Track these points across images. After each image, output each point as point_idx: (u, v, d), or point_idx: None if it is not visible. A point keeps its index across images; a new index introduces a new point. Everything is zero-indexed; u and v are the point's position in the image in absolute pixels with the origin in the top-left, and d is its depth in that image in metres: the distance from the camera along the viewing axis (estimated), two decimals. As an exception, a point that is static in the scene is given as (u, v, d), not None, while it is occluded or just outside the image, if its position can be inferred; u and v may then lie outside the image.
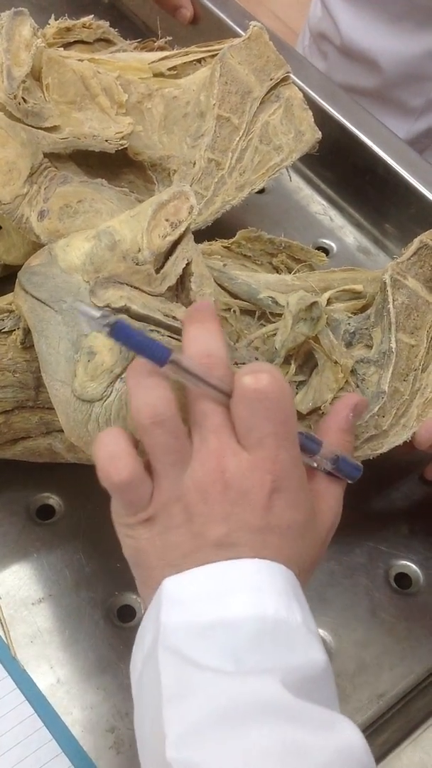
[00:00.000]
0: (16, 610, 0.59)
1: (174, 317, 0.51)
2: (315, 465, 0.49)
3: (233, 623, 0.42)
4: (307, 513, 0.47)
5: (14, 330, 0.57)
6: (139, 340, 0.44)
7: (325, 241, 0.81)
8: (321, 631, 0.60)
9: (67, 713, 0.56)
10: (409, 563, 0.64)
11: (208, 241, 0.65)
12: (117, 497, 0.46)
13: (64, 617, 0.59)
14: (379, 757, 0.55)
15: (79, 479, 0.62)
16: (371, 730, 0.57)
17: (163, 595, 0.43)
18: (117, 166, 0.67)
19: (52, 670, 0.57)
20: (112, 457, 0.44)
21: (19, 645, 0.58)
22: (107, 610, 0.60)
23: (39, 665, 0.57)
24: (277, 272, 0.66)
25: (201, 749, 0.38)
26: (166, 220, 0.52)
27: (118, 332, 0.44)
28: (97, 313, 0.44)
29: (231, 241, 0.66)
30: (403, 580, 0.63)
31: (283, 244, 0.66)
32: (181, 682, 0.40)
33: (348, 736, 0.40)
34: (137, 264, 0.51)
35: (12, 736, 0.55)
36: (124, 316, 0.50)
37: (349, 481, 0.51)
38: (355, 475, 0.51)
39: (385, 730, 0.57)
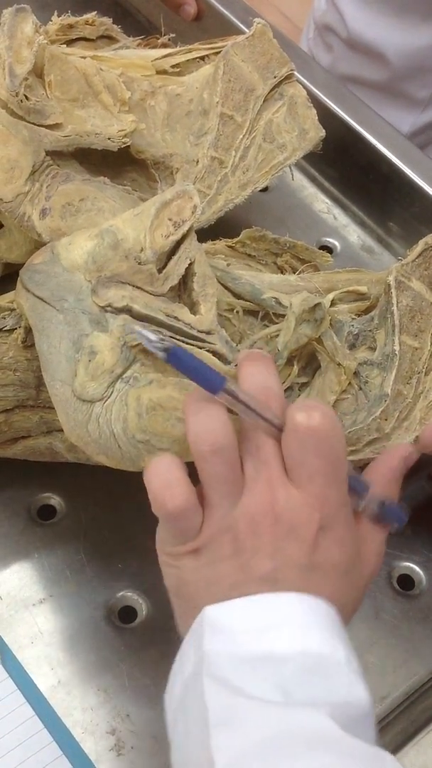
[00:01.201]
0: (16, 611, 0.59)
1: (176, 318, 0.51)
2: (360, 509, 0.49)
3: (278, 656, 0.41)
4: (352, 553, 0.47)
5: (15, 328, 0.57)
6: (195, 365, 0.44)
7: (328, 239, 0.81)
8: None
9: (68, 715, 0.56)
10: (411, 565, 0.64)
11: (211, 240, 0.65)
12: (168, 526, 0.45)
13: (65, 618, 0.59)
14: (382, 760, 0.54)
15: (80, 479, 0.62)
16: (374, 733, 0.57)
17: (206, 623, 0.43)
18: (119, 164, 0.66)
19: (53, 671, 0.57)
20: (167, 485, 0.44)
21: (20, 646, 0.58)
22: (108, 611, 0.59)
23: (40, 666, 0.57)
24: (282, 272, 0.66)
25: None
26: (170, 220, 0.52)
27: (173, 357, 0.44)
28: (154, 337, 0.44)
29: (235, 240, 0.65)
30: (406, 581, 0.63)
31: (287, 244, 0.65)
32: (228, 709, 0.40)
33: None
34: (140, 263, 0.51)
35: (13, 738, 0.55)
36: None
37: (392, 531, 0.50)
38: (400, 522, 0.50)
39: (388, 733, 0.57)
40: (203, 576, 0.45)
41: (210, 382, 0.44)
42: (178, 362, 0.44)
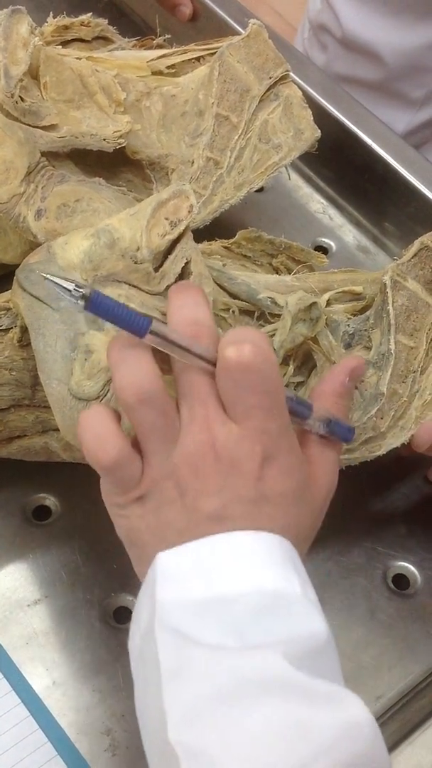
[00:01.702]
0: (11, 612, 0.59)
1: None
2: (308, 429, 0.49)
3: (231, 598, 0.41)
4: (301, 479, 0.46)
5: (11, 328, 0.57)
6: (116, 311, 0.43)
7: (324, 239, 0.81)
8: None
9: (63, 715, 0.56)
10: (407, 564, 0.64)
11: (207, 240, 0.65)
12: (107, 478, 0.45)
13: (60, 619, 0.59)
14: (377, 759, 0.55)
15: (76, 480, 0.62)
16: (369, 733, 0.57)
17: (158, 571, 0.43)
18: (115, 164, 0.66)
19: (48, 672, 0.57)
20: (98, 438, 0.43)
21: (15, 647, 0.58)
22: (103, 612, 0.59)
23: (35, 667, 0.57)
24: (277, 273, 0.66)
25: (204, 730, 0.38)
26: (166, 219, 0.52)
27: (94, 304, 0.43)
28: (70, 285, 0.43)
29: (231, 241, 0.65)
30: (401, 581, 0.63)
31: (283, 245, 0.66)
32: (180, 660, 0.40)
33: (355, 711, 0.39)
34: (136, 262, 0.51)
35: (7, 739, 0.54)
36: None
37: (345, 443, 0.50)
38: (348, 437, 0.50)
39: (383, 732, 0.56)
40: (151, 522, 0.44)
41: (135, 326, 0.43)
42: (99, 309, 0.43)
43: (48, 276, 0.43)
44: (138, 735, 0.55)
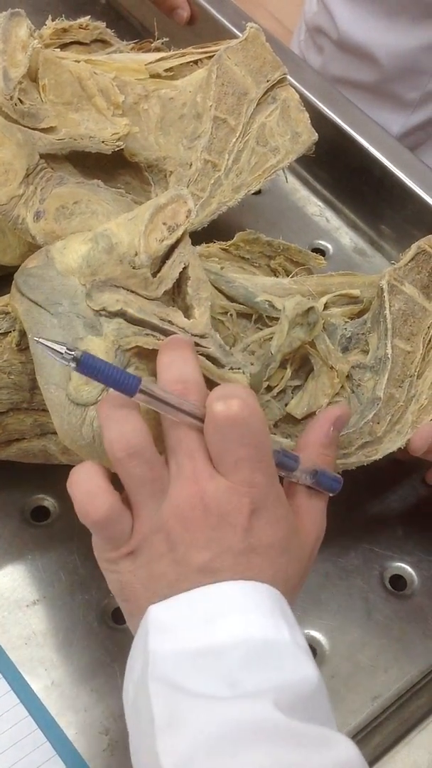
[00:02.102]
0: (10, 612, 0.59)
1: (170, 322, 0.51)
2: (295, 480, 0.50)
3: (222, 648, 0.42)
4: (288, 529, 0.47)
5: (10, 332, 0.57)
6: (106, 371, 0.44)
7: (321, 242, 0.81)
8: (315, 633, 0.60)
9: (61, 715, 0.56)
10: (403, 565, 0.64)
11: (205, 243, 0.65)
12: (98, 534, 0.46)
13: (58, 619, 0.59)
14: (373, 760, 0.55)
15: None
16: (365, 732, 0.57)
17: (150, 623, 0.43)
18: (113, 167, 0.67)
19: (47, 672, 0.57)
20: (88, 495, 0.44)
21: (14, 647, 0.58)
22: (102, 613, 0.60)
23: (33, 667, 0.57)
24: (275, 275, 0.66)
25: None
26: (164, 224, 0.52)
27: (84, 365, 0.44)
28: (61, 349, 0.44)
29: (229, 243, 0.66)
30: (398, 581, 0.63)
31: (281, 247, 0.66)
32: (172, 711, 0.40)
33: (344, 752, 0.40)
34: (134, 267, 0.51)
35: (6, 738, 0.55)
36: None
37: (330, 494, 0.51)
38: (335, 488, 0.51)
39: (379, 732, 0.57)
40: (142, 577, 0.45)
41: (125, 386, 0.44)
42: (90, 369, 0.44)
43: (40, 340, 0.45)
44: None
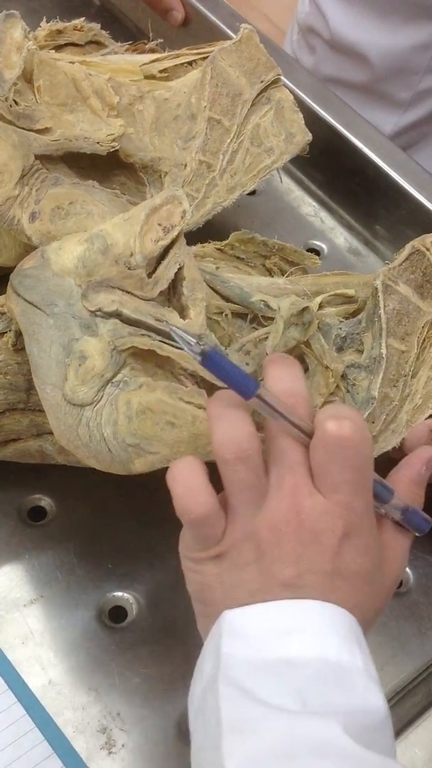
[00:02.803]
0: (7, 611, 0.59)
1: (166, 322, 0.51)
2: (384, 513, 0.49)
3: (295, 662, 0.41)
4: (376, 561, 0.47)
5: (6, 332, 0.57)
6: (230, 370, 0.44)
7: (315, 242, 0.82)
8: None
9: (59, 714, 0.56)
10: (399, 563, 0.64)
11: (200, 243, 0.66)
12: (191, 532, 0.45)
13: (55, 618, 0.59)
14: (370, 756, 0.55)
15: (71, 481, 0.63)
16: (362, 730, 0.58)
17: (224, 627, 0.43)
18: (108, 168, 0.67)
19: (44, 671, 0.57)
20: (190, 491, 0.44)
21: (11, 646, 0.58)
22: (99, 611, 0.60)
23: (31, 666, 0.57)
24: (270, 274, 0.66)
25: None
26: (159, 225, 0.53)
27: (209, 361, 0.44)
28: (192, 339, 0.44)
29: (224, 243, 0.66)
30: (394, 580, 0.64)
31: (276, 246, 0.66)
32: (241, 715, 0.40)
33: None
34: (129, 268, 0.51)
35: (4, 737, 0.55)
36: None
37: (417, 534, 0.50)
38: (423, 528, 0.50)
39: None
40: (225, 581, 0.45)
41: (244, 387, 0.44)
42: (214, 366, 0.44)
43: (174, 328, 0.44)
44: (133, 733, 0.55)
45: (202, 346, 0.43)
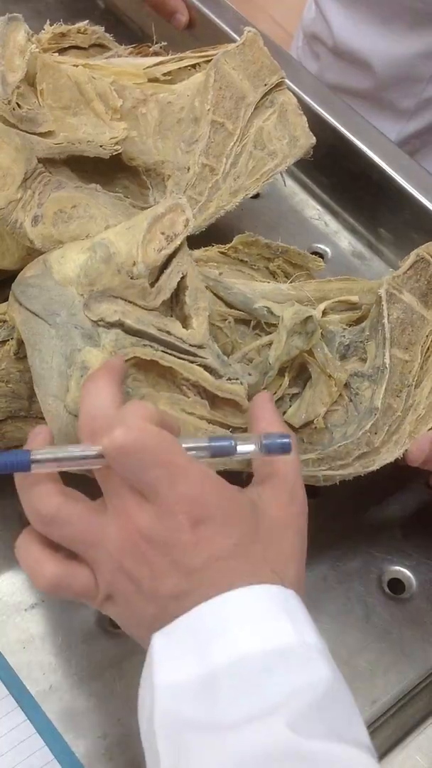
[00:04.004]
0: (8, 616, 0.59)
1: (168, 332, 0.51)
2: (248, 459, 0.48)
3: (222, 671, 0.40)
4: (246, 519, 0.45)
5: (8, 340, 0.57)
6: None
7: (319, 245, 0.81)
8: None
9: (60, 720, 0.56)
10: (402, 569, 0.64)
11: (204, 246, 0.65)
12: (60, 596, 0.46)
13: (56, 623, 0.59)
14: (372, 763, 0.55)
15: (72, 485, 0.62)
16: (364, 736, 0.57)
17: (154, 654, 0.43)
18: (111, 171, 0.67)
19: (45, 676, 0.57)
20: (32, 568, 0.45)
21: (12, 651, 0.58)
22: (100, 617, 0.60)
23: (31, 671, 0.57)
24: (274, 277, 0.66)
25: None
26: (162, 233, 0.52)
27: None
28: None
29: (228, 246, 0.66)
30: (397, 585, 0.64)
31: (280, 249, 0.66)
32: (179, 748, 0.39)
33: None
34: (132, 278, 0.51)
35: (5, 742, 0.55)
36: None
37: (286, 453, 0.47)
38: (287, 445, 0.47)
39: (378, 736, 0.58)
40: (129, 615, 0.45)
41: (18, 465, 0.44)
42: None
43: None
44: (134, 739, 0.55)
45: None
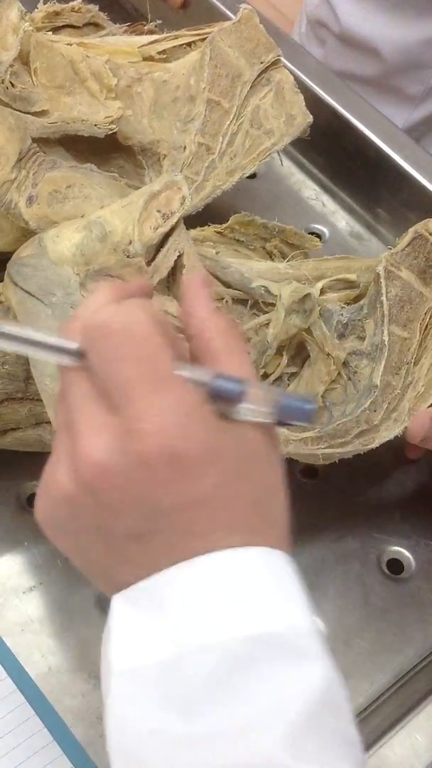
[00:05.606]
0: (6, 599, 0.59)
1: (165, 311, 0.51)
2: (251, 419, 0.36)
3: (184, 666, 0.32)
4: (231, 460, 0.34)
5: (4, 321, 0.57)
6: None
7: (317, 226, 0.81)
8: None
9: (59, 701, 0.56)
10: (401, 549, 0.64)
11: (200, 226, 0.65)
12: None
13: (55, 606, 0.59)
14: (371, 742, 0.55)
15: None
16: (363, 716, 0.58)
17: (113, 630, 0.34)
18: (106, 150, 0.66)
19: (44, 658, 0.57)
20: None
21: (11, 633, 0.58)
22: (98, 598, 0.60)
23: (30, 654, 0.57)
24: (271, 257, 0.65)
25: None
26: (158, 212, 0.52)
27: None
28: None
29: (224, 226, 0.65)
30: (395, 565, 0.64)
31: (276, 229, 0.65)
32: (129, 760, 0.32)
33: None
34: (128, 256, 0.51)
35: (4, 725, 0.55)
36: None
37: (306, 423, 0.37)
38: (308, 411, 0.36)
39: (376, 715, 0.58)
40: (84, 557, 0.38)
41: None
42: None
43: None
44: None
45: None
